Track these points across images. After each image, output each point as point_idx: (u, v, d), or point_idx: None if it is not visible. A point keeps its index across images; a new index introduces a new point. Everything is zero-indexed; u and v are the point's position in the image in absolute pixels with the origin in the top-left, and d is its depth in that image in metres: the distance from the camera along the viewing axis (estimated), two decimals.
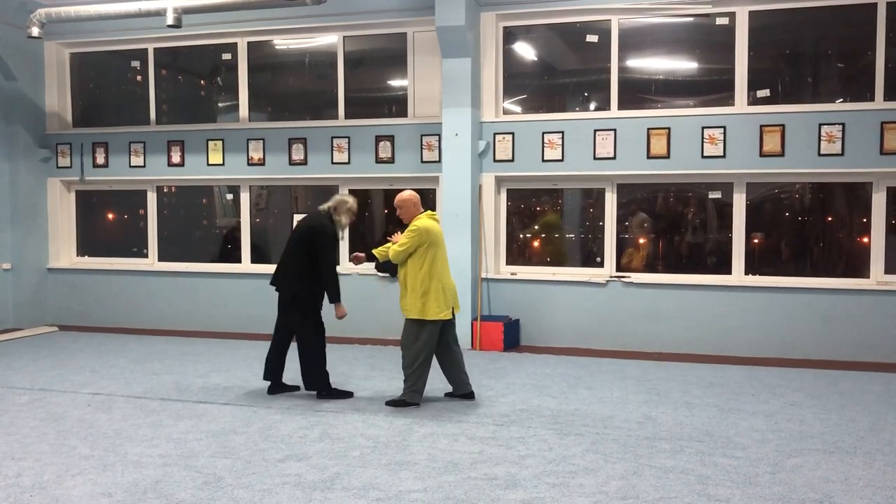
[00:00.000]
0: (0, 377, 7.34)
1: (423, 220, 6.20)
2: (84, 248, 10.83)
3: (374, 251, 6.42)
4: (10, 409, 6.19)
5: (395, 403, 6.22)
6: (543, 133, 8.78)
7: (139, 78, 10.47)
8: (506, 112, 9.16)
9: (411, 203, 6.31)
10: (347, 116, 9.58)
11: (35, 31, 8.85)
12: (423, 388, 6.24)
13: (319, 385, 6.49)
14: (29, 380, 7.24)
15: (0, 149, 10.06)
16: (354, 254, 6.71)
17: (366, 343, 9.10)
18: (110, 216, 10.95)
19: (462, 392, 6.41)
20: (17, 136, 10.19)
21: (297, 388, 6.69)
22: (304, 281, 6.42)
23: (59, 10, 8.79)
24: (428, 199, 9.41)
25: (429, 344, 6.15)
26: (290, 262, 6.52)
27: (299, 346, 6.52)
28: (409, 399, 6.19)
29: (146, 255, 10.50)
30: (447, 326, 6.28)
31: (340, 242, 6.78)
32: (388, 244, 6.34)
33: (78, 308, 10.48)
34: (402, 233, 6.34)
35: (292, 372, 6.77)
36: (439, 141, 8.97)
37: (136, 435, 5.45)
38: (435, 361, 6.35)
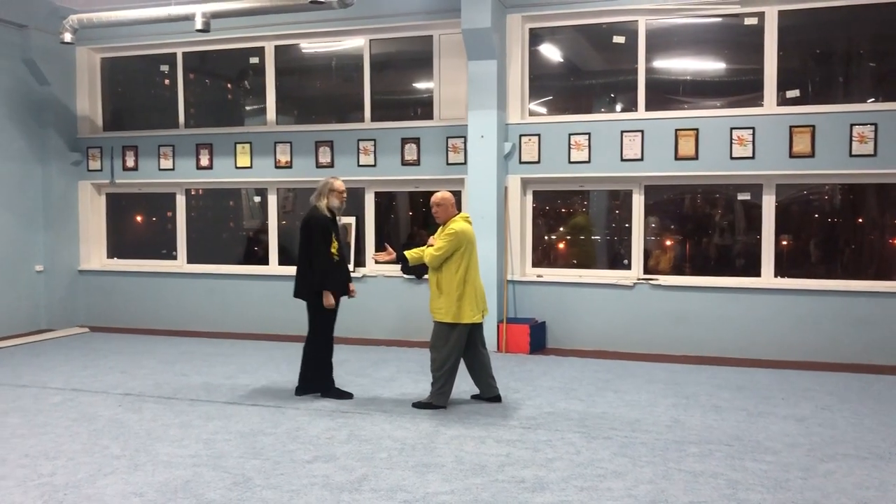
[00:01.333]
0: (34, 377, 7.46)
1: (459, 223, 6.15)
2: (114, 250, 10.97)
3: (406, 253, 6.32)
4: (43, 408, 6.29)
5: (421, 405, 6.23)
6: (570, 134, 8.74)
7: (168, 82, 10.59)
8: (532, 114, 9.14)
9: (448, 203, 6.24)
10: (373, 119, 9.62)
11: (67, 36, 8.98)
12: (451, 391, 6.24)
13: (313, 385, 6.60)
14: (62, 380, 7.35)
15: (33, 152, 10.24)
16: (377, 252, 6.60)
17: (391, 345, 9.12)
18: (139, 218, 11.09)
19: (489, 395, 6.40)
20: (50, 139, 10.36)
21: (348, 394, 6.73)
22: (308, 275, 6.47)
23: (91, 16, 8.93)
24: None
25: (458, 347, 6.15)
26: (298, 263, 6.60)
27: (306, 342, 6.62)
28: (436, 402, 6.19)
29: (175, 257, 10.62)
30: (476, 329, 6.26)
31: (346, 230, 6.66)
32: (422, 248, 6.30)
33: (108, 309, 10.62)
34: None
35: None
36: (465, 143, 8.97)
37: (166, 435, 5.51)
38: (462, 364, 6.34)
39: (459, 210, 6.42)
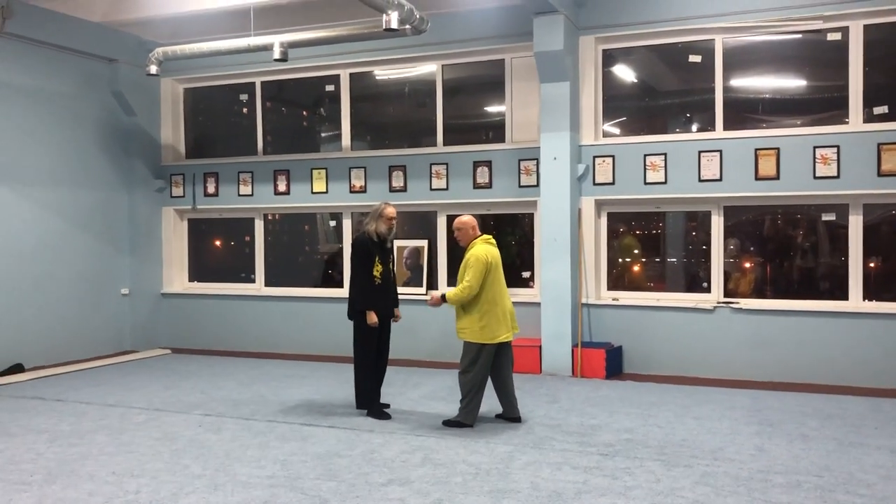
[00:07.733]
0: (119, 397, 7.71)
1: (478, 247, 6.27)
2: (195, 273, 11.29)
3: (447, 294, 6.29)
4: (128, 427, 6.48)
5: (451, 423, 6.31)
6: (645, 155, 8.61)
7: (247, 110, 10.90)
8: (605, 135, 9.04)
9: (468, 227, 6.43)
10: (446, 143, 9.68)
11: (153, 68, 9.34)
12: (478, 409, 6.32)
13: (360, 400, 6.78)
14: (145, 400, 7.56)
15: (119, 180, 10.67)
16: (431, 299, 6.52)
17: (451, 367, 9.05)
18: (219, 243, 11.40)
19: (511, 415, 6.45)
20: (135, 168, 10.79)
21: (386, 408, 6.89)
22: (353, 295, 6.74)
23: (175, 48, 9.27)
24: (525, 224, 9.38)
25: (485, 365, 6.23)
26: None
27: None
28: (464, 420, 6.28)
29: (253, 281, 10.85)
30: (503, 348, 6.33)
31: (391, 253, 6.91)
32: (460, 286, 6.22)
33: (189, 331, 10.92)
34: None
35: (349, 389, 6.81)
36: (537, 165, 8.92)
37: (245, 456, 5.60)
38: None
39: (481, 233, 6.44)
